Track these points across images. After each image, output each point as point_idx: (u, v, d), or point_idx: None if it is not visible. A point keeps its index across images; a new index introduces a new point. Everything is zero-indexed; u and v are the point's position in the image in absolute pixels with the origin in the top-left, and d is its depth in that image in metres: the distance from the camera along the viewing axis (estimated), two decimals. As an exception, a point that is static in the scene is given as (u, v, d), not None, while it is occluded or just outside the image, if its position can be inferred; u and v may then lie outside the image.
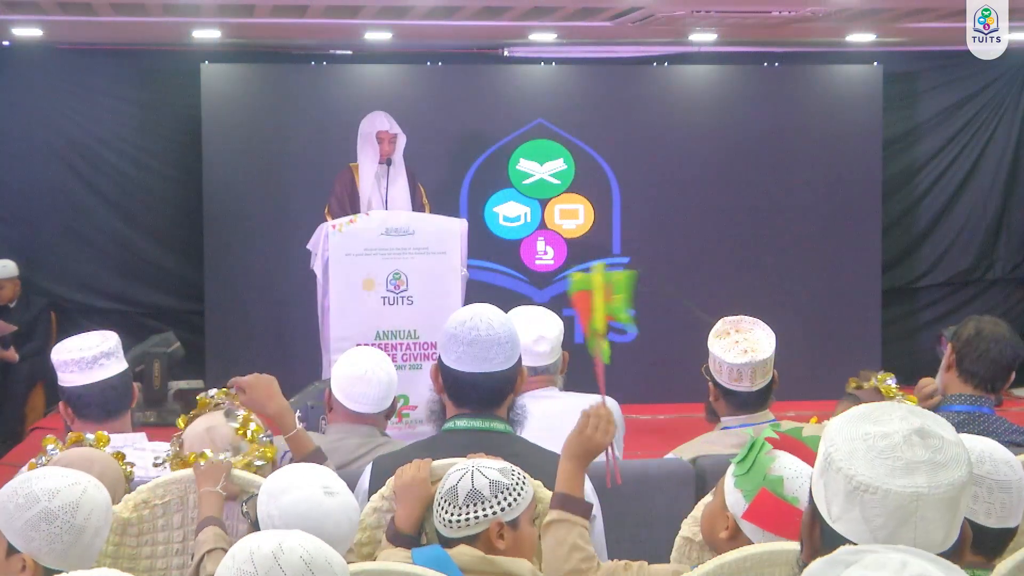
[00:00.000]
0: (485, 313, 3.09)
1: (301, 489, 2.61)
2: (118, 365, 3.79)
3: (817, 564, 1.51)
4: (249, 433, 3.34)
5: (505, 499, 2.65)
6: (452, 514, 2.63)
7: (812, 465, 2.35)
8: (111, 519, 2.54)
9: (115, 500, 3.17)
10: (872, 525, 1.72)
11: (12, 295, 8.58)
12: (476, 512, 2.62)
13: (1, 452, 7.84)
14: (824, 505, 1.77)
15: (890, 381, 3.69)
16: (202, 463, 3.09)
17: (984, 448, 2.53)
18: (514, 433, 3.14)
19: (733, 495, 2.42)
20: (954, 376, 3.87)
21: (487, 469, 2.68)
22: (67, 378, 3.74)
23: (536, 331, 4.07)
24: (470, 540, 2.63)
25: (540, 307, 4.28)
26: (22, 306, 8.62)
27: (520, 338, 3.97)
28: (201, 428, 3.35)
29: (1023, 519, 2.54)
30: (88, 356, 3.72)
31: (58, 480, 2.47)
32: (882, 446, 1.75)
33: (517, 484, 2.68)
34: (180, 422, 3.38)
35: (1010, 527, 2.53)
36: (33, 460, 3.23)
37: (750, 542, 2.38)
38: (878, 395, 3.65)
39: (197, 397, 3.51)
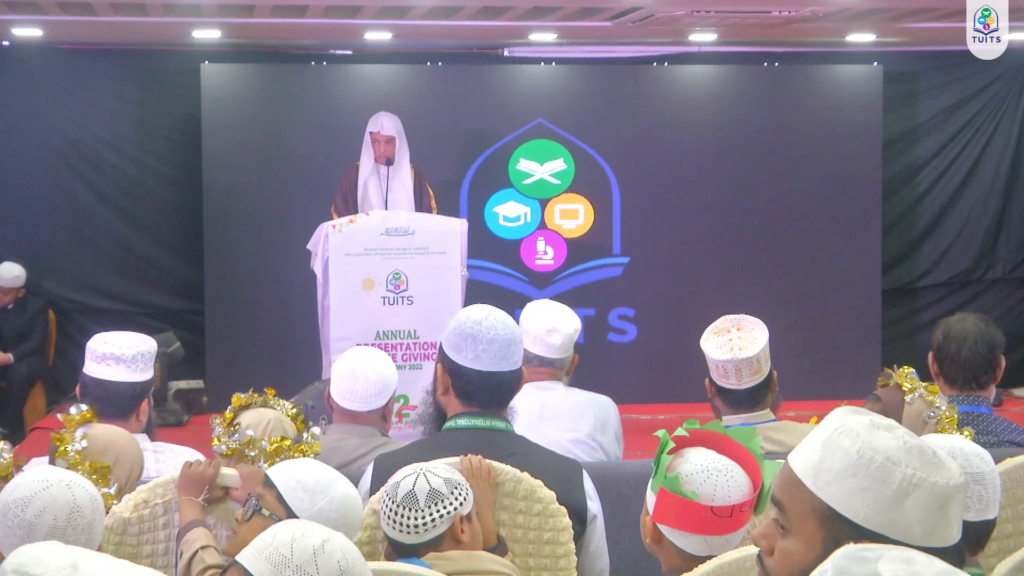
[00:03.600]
0: (496, 312, 3.10)
1: (343, 480, 2.67)
2: (145, 373, 3.83)
3: (842, 560, 1.46)
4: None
5: (461, 493, 2.68)
6: (416, 518, 2.62)
7: (733, 458, 2.36)
8: (87, 521, 2.44)
9: (131, 482, 3.21)
10: (956, 520, 1.71)
11: (13, 299, 8.58)
12: (440, 511, 2.64)
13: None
14: (911, 529, 1.70)
15: (912, 374, 3.67)
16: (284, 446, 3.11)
17: (953, 444, 2.57)
18: (514, 432, 3.14)
19: (649, 498, 2.40)
20: (942, 383, 3.90)
21: (436, 468, 2.70)
22: (97, 368, 3.78)
23: (551, 322, 4.08)
24: (435, 542, 2.64)
25: (561, 304, 4.28)
26: (19, 307, 8.60)
27: (532, 327, 4.04)
28: (272, 416, 3.33)
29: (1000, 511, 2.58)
30: (128, 355, 3.77)
31: (32, 475, 2.48)
32: (916, 447, 1.72)
33: (463, 481, 2.72)
34: (227, 417, 3.30)
35: (988, 519, 2.55)
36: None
37: (673, 544, 2.36)
38: (899, 392, 3.63)
39: (236, 395, 3.44)
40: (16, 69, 9.03)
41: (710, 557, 2.33)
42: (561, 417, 4.07)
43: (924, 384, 3.66)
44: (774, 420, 3.87)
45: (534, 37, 9.06)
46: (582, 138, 9.18)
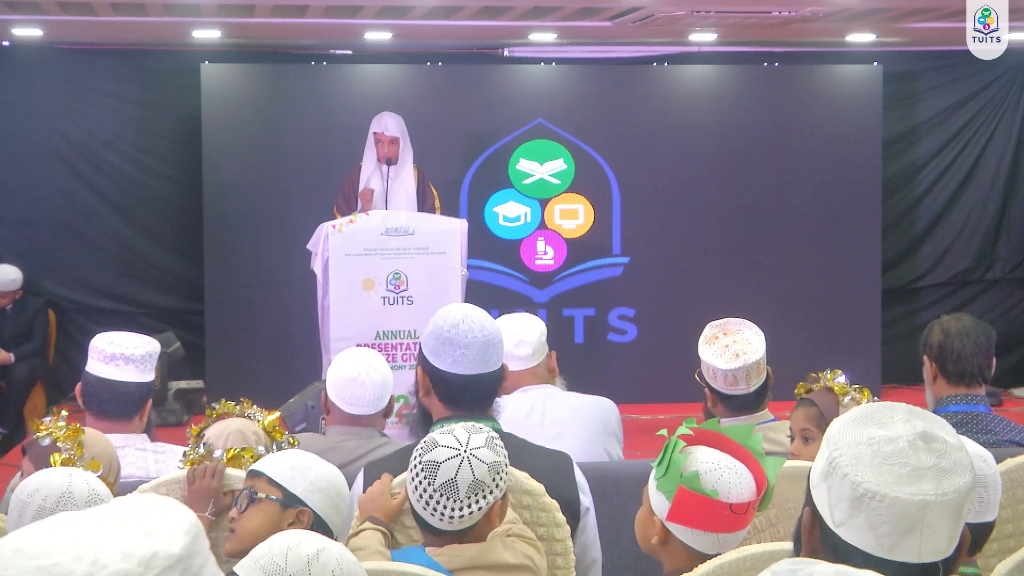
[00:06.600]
0: (474, 314, 3.03)
1: (322, 461, 2.77)
2: (150, 374, 3.84)
3: (773, 574, 1.46)
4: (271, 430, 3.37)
5: (501, 477, 2.55)
6: (453, 508, 2.50)
7: (734, 455, 2.38)
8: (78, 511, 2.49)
9: (109, 476, 3.18)
10: (877, 532, 1.69)
11: (11, 301, 8.57)
12: (480, 501, 2.51)
13: (1, 452, 7.85)
14: (827, 510, 1.74)
15: (840, 379, 3.65)
16: (246, 455, 3.10)
17: None
18: (503, 430, 3.13)
19: (657, 499, 2.38)
20: (943, 384, 3.89)
21: (480, 451, 2.52)
22: (104, 368, 3.77)
23: (516, 335, 4.05)
24: (468, 530, 2.56)
25: (521, 313, 4.32)
26: (18, 308, 8.59)
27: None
28: (234, 427, 3.34)
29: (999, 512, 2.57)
30: (138, 355, 3.77)
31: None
32: (888, 451, 1.71)
33: (503, 454, 2.57)
34: (194, 431, 3.32)
35: (988, 521, 2.55)
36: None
37: (683, 544, 2.36)
38: (831, 394, 3.61)
39: (208, 407, 3.47)
40: (16, 69, 9.03)
41: (716, 555, 2.33)
42: (562, 424, 4.04)
43: (855, 387, 3.64)
44: (773, 420, 3.86)
45: (534, 37, 9.06)
46: (582, 138, 9.18)
